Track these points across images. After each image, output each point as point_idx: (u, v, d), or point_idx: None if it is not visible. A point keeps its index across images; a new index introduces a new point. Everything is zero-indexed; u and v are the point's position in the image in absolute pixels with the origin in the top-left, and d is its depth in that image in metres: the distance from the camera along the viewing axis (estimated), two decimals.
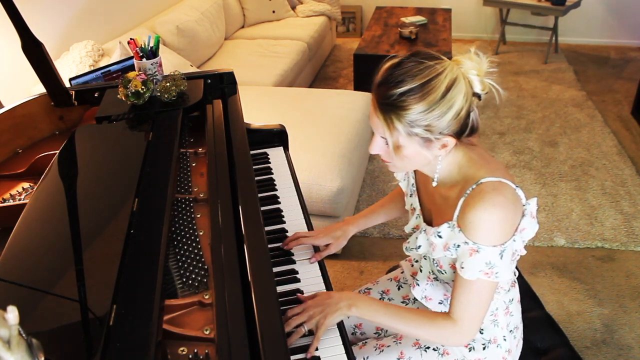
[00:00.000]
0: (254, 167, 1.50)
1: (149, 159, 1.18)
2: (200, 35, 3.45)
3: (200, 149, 1.37)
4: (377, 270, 2.34)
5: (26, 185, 1.32)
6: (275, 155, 1.63)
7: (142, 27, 3.28)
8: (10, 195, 1.28)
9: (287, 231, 1.33)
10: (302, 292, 1.15)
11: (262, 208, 1.37)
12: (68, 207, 1.05)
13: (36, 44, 1.40)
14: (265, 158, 1.61)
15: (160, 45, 1.91)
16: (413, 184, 1.20)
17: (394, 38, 3.75)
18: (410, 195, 1.21)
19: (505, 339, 1.16)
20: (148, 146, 1.22)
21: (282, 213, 1.39)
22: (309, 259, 1.25)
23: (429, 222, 1.13)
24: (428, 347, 1.18)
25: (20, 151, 1.47)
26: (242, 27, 4.37)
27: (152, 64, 1.42)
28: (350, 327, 1.34)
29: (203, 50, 3.54)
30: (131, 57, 2.14)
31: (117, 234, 0.95)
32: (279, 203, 1.43)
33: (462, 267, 0.98)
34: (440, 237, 1.03)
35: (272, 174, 1.54)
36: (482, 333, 1.15)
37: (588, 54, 4.70)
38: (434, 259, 1.10)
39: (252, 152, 1.56)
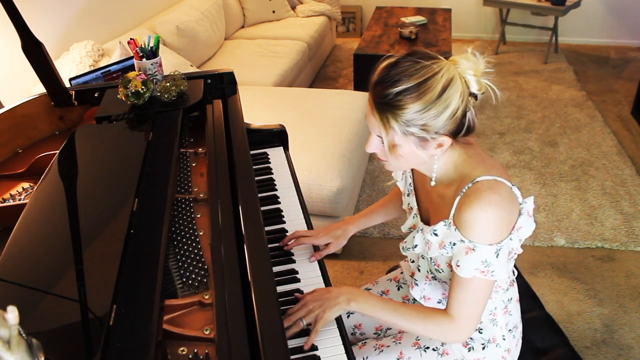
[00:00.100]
0: (254, 167, 1.50)
1: (149, 159, 1.18)
2: (200, 35, 3.45)
3: (200, 149, 1.37)
4: (377, 270, 2.34)
5: (26, 185, 1.32)
6: (275, 155, 1.63)
7: (142, 27, 3.28)
8: (10, 195, 1.28)
9: (287, 231, 1.33)
10: (301, 292, 1.15)
11: (262, 208, 1.37)
12: (68, 207, 1.05)
13: (36, 44, 1.40)
14: (265, 158, 1.61)
15: (160, 45, 1.91)
16: (410, 184, 1.20)
17: (394, 38, 3.75)
18: (408, 195, 1.21)
19: (504, 339, 1.16)
20: (148, 146, 1.22)
21: (282, 213, 1.39)
22: (309, 258, 1.25)
23: (427, 222, 1.13)
24: (427, 347, 1.18)
25: (20, 151, 1.47)
26: (242, 27, 4.37)
27: (152, 64, 1.42)
28: (350, 327, 1.34)
29: (203, 50, 3.54)
30: (131, 57, 2.14)
31: (117, 234, 0.95)
32: (279, 203, 1.43)
33: (458, 265, 0.99)
34: (436, 235, 1.04)
35: (272, 174, 1.54)
36: (481, 332, 1.15)
37: (588, 54, 4.70)
38: (431, 258, 1.10)
39: (252, 152, 1.56)
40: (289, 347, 0.99)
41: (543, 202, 2.72)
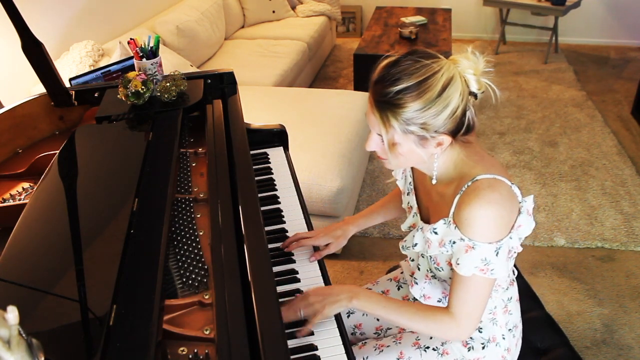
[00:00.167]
0: (254, 167, 1.50)
1: (149, 159, 1.18)
2: (200, 35, 3.45)
3: (200, 149, 1.37)
4: (377, 270, 2.34)
5: (26, 185, 1.32)
6: (275, 155, 1.63)
7: (142, 27, 3.28)
8: (10, 195, 1.28)
9: (287, 231, 1.33)
10: (302, 292, 1.15)
11: (262, 208, 1.37)
12: (68, 207, 1.05)
13: (36, 44, 1.40)
14: (265, 158, 1.61)
15: (160, 45, 1.91)
16: (410, 183, 1.20)
17: (394, 38, 3.75)
18: (408, 194, 1.21)
19: (504, 338, 1.16)
20: (148, 146, 1.22)
21: (282, 213, 1.39)
22: (309, 258, 1.25)
23: (426, 220, 1.14)
24: (428, 347, 1.18)
25: (20, 151, 1.47)
26: (242, 27, 4.37)
27: (152, 64, 1.42)
28: (350, 327, 1.35)
29: (203, 50, 3.54)
30: (131, 57, 2.14)
31: (117, 234, 0.95)
32: (279, 203, 1.43)
33: (458, 264, 0.99)
34: (436, 233, 1.04)
35: (272, 174, 1.54)
36: (480, 332, 1.15)
37: (588, 54, 4.70)
38: (431, 257, 1.10)
39: (252, 152, 1.56)
40: (289, 347, 0.99)
41: (543, 202, 2.72)
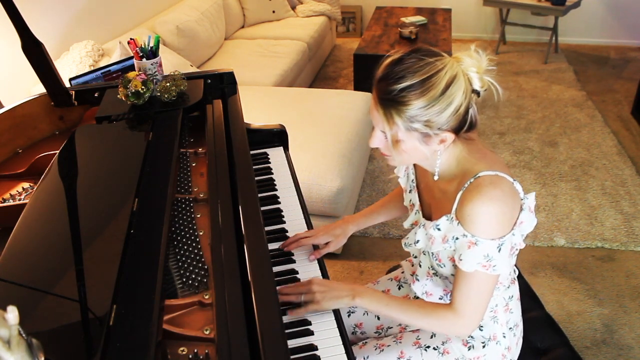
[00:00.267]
0: (254, 167, 1.50)
1: (149, 159, 1.18)
2: (200, 35, 3.45)
3: (200, 149, 1.37)
4: (377, 270, 2.34)
5: (26, 185, 1.32)
6: (275, 155, 1.63)
7: (142, 27, 3.28)
8: (10, 195, 1.28)
9: (287, 231, 1.33)
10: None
11: (262, 208, 1.37)
12: (68, 207, 1.05)
13: (36, 44, 1.40)
14: (265, 158, 1.61)
15: (160, 45, 1.91)
16: (413, 180, 1.21)
17: (394, 38, 3.75)
18: (410, 191, 1.22)
19: (504, 336, 1.16)
20: (148, 146, 1.22)
21: (282, 213, 1.39)
22: (308, 256, 1.25)
23: (428, 218, 1.14)
24: (428, 347, 1.18)
25: (20, 151, 1.47)
26: (242, 27, 4.37)
27: (152, 64, 1.42)
28: (351, 326, 1.35)
29: (203, 50, 3.54)
30: (131, 57, 2.14)
31: (117, 234, 0.95)
32: (279, 203, 1.43)
33: (461, 260, 1.00)
34: (439, 229, 1.04)
35: (272, 174, 1.54)
36: (481, 330, 1.15)
37: (588, 54, 4.70)
38: (432, 253, 1.11)
39: (252, 152, 1.56)
40: (289, 347, 0.99)
41: (543, 202, 2.72)
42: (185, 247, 1.04)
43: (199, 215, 1.14)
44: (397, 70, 0.94)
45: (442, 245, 1.05)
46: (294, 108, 2.73)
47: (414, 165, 1.21)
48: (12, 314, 0.52)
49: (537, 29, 4.70)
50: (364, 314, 1.34)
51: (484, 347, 1.15)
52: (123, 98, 1.36)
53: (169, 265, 1.00)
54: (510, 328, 1.18)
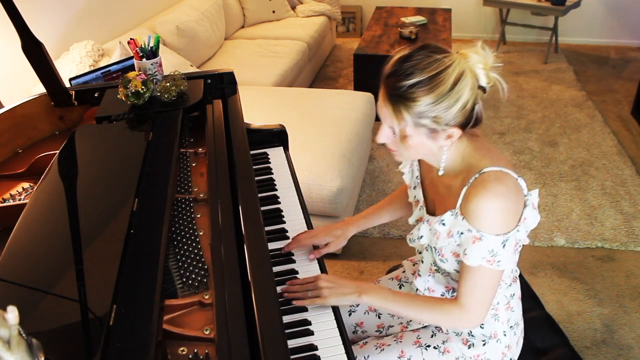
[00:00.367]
0: (254, 167, 1.50)
1: (149, 159, 1.18)
2: (200, 35, 3.45)
3: (200, 149, 1.37)
4: (377, 270, 2.34)
5: (26, 185, 1.32)
6: (275, 155, 1.63)
7: (142, 27, 3.28)
8: (10, 195, 1.28)
9: (287, 231, 1.33)
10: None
11: (262, 208, 1.37)
12: (68, 207, 1.05)
13: (36, 44, 1.40)
14: (265, 158, 1.61)
15: (160, 45, 1.91)
16: (417, 177, 1.22)
17: (394, 38, 3.75)
18: (414, 188, 1.23)
19: (505, 335, 1.16)
20: (148, 146, 1.22)
21: (282, 213, 1.39)
22: (308, 256, 1.26)
23: (432, 214, 1.15)
24: (429, 346, 1.18)
25: (20, 151, 1.47)
26: (242, 27, 4.37)
27: (152, 64, 1.42)
28: (352, 325, 1.35)
29: (203, 50, 3.54)
30: (131, 57, 2.14)
31: (117, 234, 0.95)
32: (279, 203, 1.43)
33: (465, 254, 1.01)
34: (443, 224, 1.06)
35: (272, 174, 1.54)
36: (482, 327, 1.16)
37: (588, 54, 4.70)
38: (435, 248, 1.12)
39: (252, 152, 1.56)
40: (289, 347, 0.99)
41: (543, 202, 2.72)
42: (185, 247, 1.04)
43: (199, 215, 1.14)
44: (406, 66, 0.95)
45: (446, 240, 1.06)
46: (294, 108, 2.73)
47: (419, 161, 1.22)
48: (12, 314, 0.52)
49: (537, 29, 4.70)
50: (364, 313, 1.34)
51: (484, 344, 1.15)
52: (123, 98, 1.36)
53: (169, 265, 1.00)
54: (511, 326, 1.18)
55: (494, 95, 1.02)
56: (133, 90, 1.34)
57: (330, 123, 2.56)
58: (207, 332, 0.86)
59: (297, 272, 1.21)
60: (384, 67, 0.99)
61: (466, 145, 1.04)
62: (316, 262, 1.25)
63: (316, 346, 1.02)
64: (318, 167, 2.23)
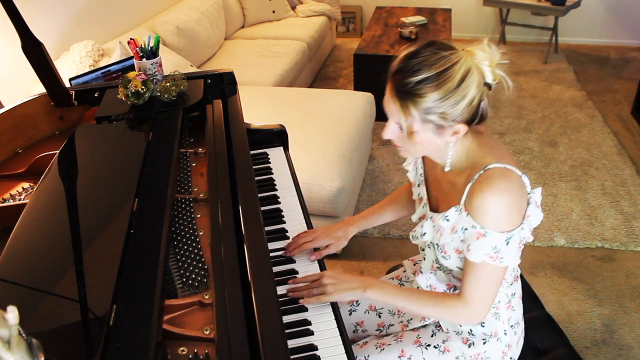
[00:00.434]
0: (254, 167, 1.50)
1: (149, 159, 1.18)
2: (200, 35, 3.45)
3: (200, 149, 1.37)
4: (377, 270, 2.34)
5: (26, 185, 1.32)
6: (275, 155, 1.63)
7: (142, 27, 3.28)
8: (10, 195, 1.28)
9: (287, 231, 1.33)
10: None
11: (262, 208, 1.37)
12: (68, 207, 1.05)
13: (36, 44, 1.40)
14: (265, 158, 1.61)
15: (160, 45, 1.91)
16: (421, 174, 1.23)
17: (394, 38, 3.75)
18: (418, 185, 1.24)
19: (505, 334, 1.17)
20: (148, 146, 1.22)
21: (282, 213, 1.39)
22: (309, 257, 1.26)
23: (435, 211, 1.16)
24: (429, 345, 1.18)
25: (20, 151, 1.47)
26: (242, 27, 4.37)
27: (152, 64, 1.42)
28: (352, 324, 1.35)
29: (203, 50, 3.54)
30: (131, 57, 2.14)
31: (117, 234, 0.95)
32: (279, 203, 1.43)
33: (469, 250, 1.02)
34: (447, 220, 1.06)
35: (272, 174, 1.54)
36: (483, 326, 1.16)
37: (588, 54, 4.70)
38: (438, 245, 1.12)
39: (252, 152, 1.56)
40: (289, 347, 0.99)
41: (543, 202, 2.72)
42: (185, 247, 1.04)
43: (199, 215, 1.14)
44: (413, 63, 0.96)
45: (451, 235, 1.07)
46: (294, 108, 2.73)
47: (423, 159, 1.23)
48: (12, 314, 0.52)
49: (537, 29, 4.70)
50: (365, 312, 1.34)
51: (484, 343, 1.15)
52: (123, 98, 1.36)
53: (169, 265, 1.00)
54: (512, 326, 1.19)
55: (494, 96, 1.02)
56: (133, 90, 1.34)
57: (330, 123, 2.56)
58: (207, 332, 0.86)
59: (297, 272, 1.21)
60: (391, 64, 1.01)
61: (471, 142, 1.05)
62: (316, 262, 1.25)
63: (316, 346, 1.02)
64: (318, 167, 2.23)
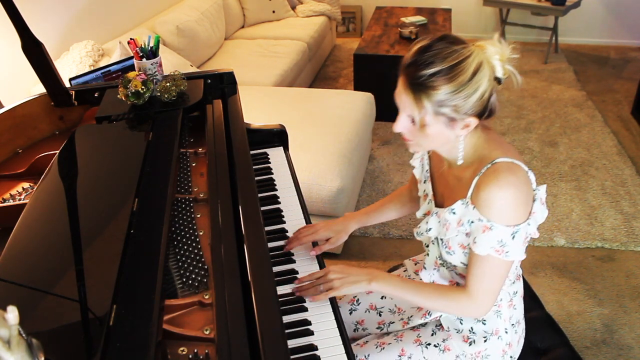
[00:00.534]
0: (254, 167, 1.50)
1: (149, 159, 1.18)
2: (200, 35, 3.45)
3: (200, 149, 1.37)
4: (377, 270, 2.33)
5: (26, 185, 1.32)
6: (275, 155, 1.63)
7: (142, 27, 3.28)
8: (10, 195, 1.28)
9: (287, 231, 1.33)
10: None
11: (262, 208, 1.37)
12: (68, 207, 1.05)
13: (36, 44, 1.40)
14: (265, 158, 1.61)
15: (160, 45, 1.91)
16: (427, 170, 1.24)
17: (394, 38, 3.75)
18: (424, 182, 1.24)
19: (506, 332, 1.17)
20: (148, 146, 1.22)
21: (282, 213, 1.39)
22: (309, 252, 1.26)
23: (440, 207, 1.16)
24: (429, 344, 1.18)
25: (20, 151, 1.47)
26: (242, 27, 4.37)
27: (152, 64, 1.42)
28: (353, 323, 1.35)
29: (203, 50, 3.54)
30: (131, 57, 2.14)
31: (117, 234, 0.95)
32: (279, 203, 1.43)
33: (475, 243, 1.03)
34: (454, 213, 1.07)
35: (272, 174, 1.54)
36: (484, 324, 1.17)
37: (588, 54, 4.70)
38: (442, 240, 1.13)
39: (252, 152, 1.56)
40: (289, 347, 0.99)
41: None
42: (185, 247, 1.04)
43: (199, 215, 1.14)
44: (427, 56, 0.96)
45: (457, 229, 1.07)
46: (294, 108, 2.73)
47: (429, 155, 1.24)
48: (12, 314, 0.52)
49: (537, 29, 4.70)
50: (365, 311, 1.34)
51: (485, 341, 1.16)
52: (123, 98, 1.36)
53: (169, 265, 1.00)
54: (513, 324, 1.19)
55: (497, 97, 1.03)
56: (133, 90, 1.34)
57: (330, 123, 2.56)
58: (207, 332, 0.86)
59: (297, 272, 1.21)
60: (404, 58, 1.01)
61: (478, 137, 1.06)
62: (316, 262, 1.25)
63: (316, 346, 1.02)
64: (318, 167, 2.23)
